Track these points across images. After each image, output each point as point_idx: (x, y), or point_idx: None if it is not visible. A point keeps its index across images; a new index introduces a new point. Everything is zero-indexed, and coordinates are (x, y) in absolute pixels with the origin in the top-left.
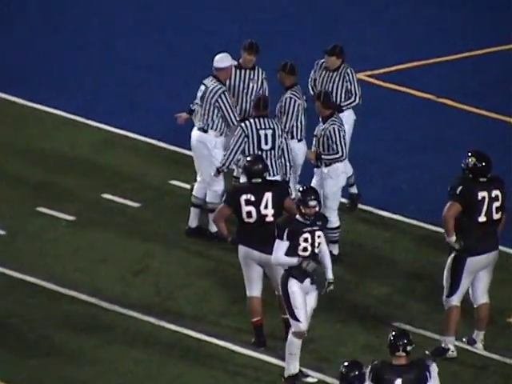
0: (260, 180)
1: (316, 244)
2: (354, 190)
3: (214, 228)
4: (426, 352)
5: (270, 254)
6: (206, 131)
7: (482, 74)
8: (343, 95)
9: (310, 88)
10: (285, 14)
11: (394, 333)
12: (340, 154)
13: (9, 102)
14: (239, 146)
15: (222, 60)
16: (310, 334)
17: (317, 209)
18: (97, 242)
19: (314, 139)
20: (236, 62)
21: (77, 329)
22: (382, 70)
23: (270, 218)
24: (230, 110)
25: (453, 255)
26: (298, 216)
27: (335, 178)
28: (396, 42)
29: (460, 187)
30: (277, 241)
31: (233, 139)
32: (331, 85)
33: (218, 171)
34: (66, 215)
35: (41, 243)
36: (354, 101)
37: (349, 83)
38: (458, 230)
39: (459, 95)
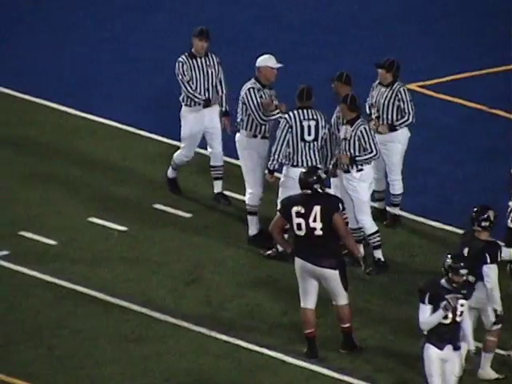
0: (310, 192)
1: (458, 312)
2: (396, 210)
3: (253, 231)
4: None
5: (323, 266)
6: (238, 131)
7: None
8: (395, 113)
9: (367, 107)
10: (337, 28)
11: (475, 208)
12: (374, 152)
13: (63, 112)
14: (284, 138)
15: (260, 60)
16: (363, 345)
17: (465, 278)
18: (148, 253)
19: (344, 142)
20: (280, 65)
21: (128, 339)
22: (434, 81)
23: (318, 232)
24: (253, 105)
25: None
26: (442, 281)
27: (367, 182)
28: (448, 53)
29: None
30: (420, 304)
31: (278, 132)
32: (383, 100)
33: (270, 171)
34: (118, 225)
35: (92, 253)
36: (408, 119)
37: (401, 102)
38: None
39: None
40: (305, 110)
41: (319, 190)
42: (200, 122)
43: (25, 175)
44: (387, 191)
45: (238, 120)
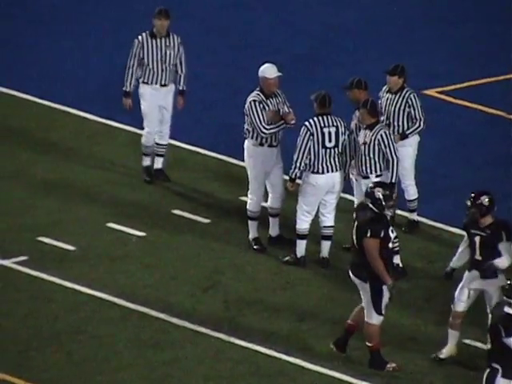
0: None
1: None
2: (413, 216)
3: (253, 235)
4: None
5: (355, 275)
6: (246, 139)
7: None
8: (405, 119)
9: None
10: (355, 32)
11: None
12: (395, 159)
13: (82, 118)
14: (306, 146)
15: (262, 70)
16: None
17: None
18: (166, 258)
19: (363, 147)
20: (277, 74)
21: (146, 345)
22: (452, 87)
23: (355, 243)
24: (255, 118)
25: None
26: (506, 309)
27: None
28: (467, 59)
29: None
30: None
31: (298, 140)
32: (393, 108)
33: (291, 179)
34: (136, 231)
35: (111, 259)
36: (419, 126)
37: (412, 108)
38: None
39: None
40: (325, 117)
41: (369, 205)
42: (156, 99)
43: (43, 181)
44: (402, 197)
45: (244, 129)
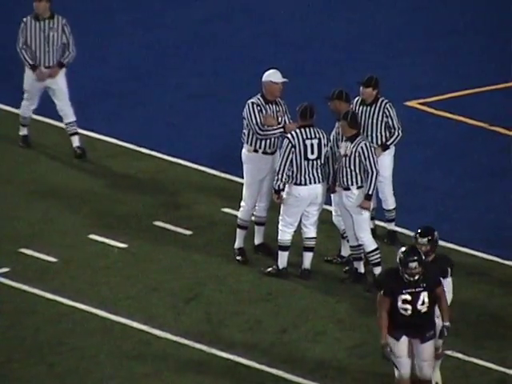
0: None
1: None
2: (391, 226)
3: (238, 244)
4: None
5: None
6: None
7: None
8: (383, 130)
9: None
10: (339, 44)
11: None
12: (374, 171)
13: (63, 129)
14: (288, 157)
15: (267, 74)
16: (362, 362)
17: None
18: (149, 270)
19: (344, 159)
20: (284, 80)
21: (128, 356)
22: (434, 98)
23: None
24: (252, 119)
25: None
26: None
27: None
28: (449, 70)
29: None
30: None
31: (281, 152)
32: (370, 120)
33: (276, 191)
34: (118, 243)
35: (93, 271)
36: (398, 135)
37: (389, 118)
38: None
39: None
40: (307, 129)
41: None
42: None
43: (25, 192)
44: (380, 208)
45: (243, 135)
